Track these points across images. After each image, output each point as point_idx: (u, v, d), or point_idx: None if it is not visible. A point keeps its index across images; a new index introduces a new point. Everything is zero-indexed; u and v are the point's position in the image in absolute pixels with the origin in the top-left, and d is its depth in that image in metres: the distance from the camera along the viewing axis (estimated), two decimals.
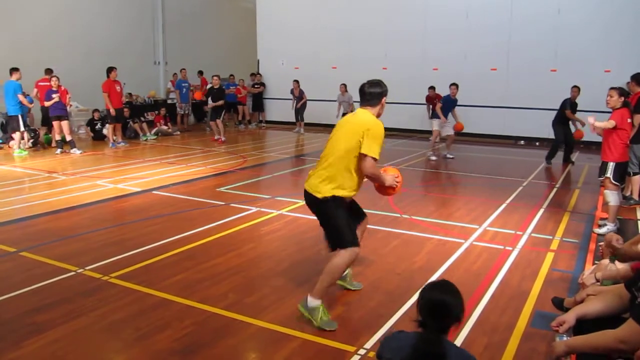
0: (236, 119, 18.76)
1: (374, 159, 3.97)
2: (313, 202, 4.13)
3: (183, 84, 17.37)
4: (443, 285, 2.28)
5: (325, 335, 3.83)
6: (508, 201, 8.02)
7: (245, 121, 18.53)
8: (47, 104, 12.42)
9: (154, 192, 8.36)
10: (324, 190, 4.03)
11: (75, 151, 12.33)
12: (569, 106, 11.48)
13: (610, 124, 6.33)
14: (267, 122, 19.22)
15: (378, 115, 4.14)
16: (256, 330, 3.95)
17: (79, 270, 4.99)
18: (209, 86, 15.90)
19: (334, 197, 4.01)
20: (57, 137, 12.63)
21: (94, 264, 5.14)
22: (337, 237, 4.07)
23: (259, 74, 19.40)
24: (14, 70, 12.52)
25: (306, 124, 17.25)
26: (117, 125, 13.75)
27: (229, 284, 4.77)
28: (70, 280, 4.78)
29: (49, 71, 13.28)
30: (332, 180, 4.04)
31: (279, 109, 18.99)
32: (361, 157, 3.95)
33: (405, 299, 4.44)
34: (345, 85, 15.88)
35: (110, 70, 13.35)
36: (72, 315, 4.07)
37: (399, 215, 7.11)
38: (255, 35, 19.92)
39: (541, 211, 7.50)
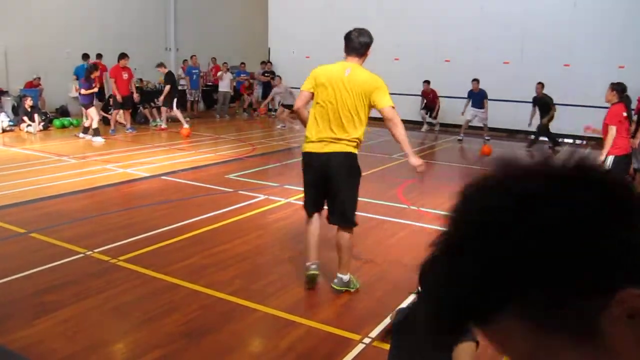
0: (241, 106, 18.82)
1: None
2: (341, 164, 4.13)
3: (193, 71, 17.37)
4: None
5: (331, 323, 3.86)
6: None
7: (250, 109, 18.55)
8: (85, 93, 12.15)
9: (162, 177, 8.41)
10: (353, 148, 4.13)
11: (99, 140, 12.30)
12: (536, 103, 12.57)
13: (611, 134, 6.49)
14: (276, 110, 19.19)
15: None
16: (262, 316, 3.98)
17: (87, 253, 5.05)
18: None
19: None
20: (95, 125, 12.20)
21: (103, 246, 5.19)
22: (354, 208, 4.34)
23: (269, 62, 19.36)
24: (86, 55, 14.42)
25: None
26: (125, 111, 13.64)
27: (236, 270, 4.81)
28: (79, 262, 4.84)
29: (86, 57, 13.71)
30: (353, 140, 4.17)
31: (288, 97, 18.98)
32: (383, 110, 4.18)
33: (411, 290, 4.44)
34: (280, 77, 16.26)
35: (121, 57, 13.19)
36: (81, 297, 4.12)
37: (406, 207, 7.12)
38: (266, 23, 19.87)
39: None
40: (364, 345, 3.59)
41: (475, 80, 13.79)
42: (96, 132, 12.10)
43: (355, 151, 4.30)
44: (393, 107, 4.16)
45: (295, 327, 3.82)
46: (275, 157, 11.02)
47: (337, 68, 4.28)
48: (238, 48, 20.99)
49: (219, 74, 17.38)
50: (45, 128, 13.55)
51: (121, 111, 13.49)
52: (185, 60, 18.26)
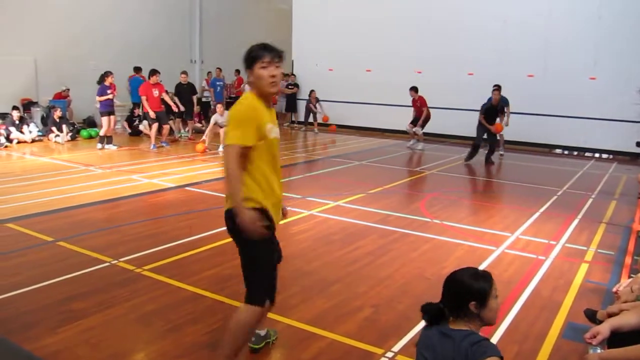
0: None
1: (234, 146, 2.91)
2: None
3: (217, 83, 17.58)
4: (465, 268, 2.48)
5: (353, 336, 3.84)
6: (542, 210, 7.89)
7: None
8: (100, 99, 12.50)
9: (187, 188, 8.49)
10: None
11: (111, 147, 12.58)
12: (484, 111, 12.03)
13: None
14: (299, 122, 19.30)
15: (261, 94, 3.08)
16: (284, 327, 3.98)
17: (113, 262, 5.11)
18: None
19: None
20: (104, 133, 12.57)
21: (128, 255, 5.25)
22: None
23: (292, 74, 19.50)
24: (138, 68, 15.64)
25: (339, 126, 17.27)
26: (164, 126, 13.45)
27: None
28: (105, 271, 4.90)
29: (138, 69, 14.24)
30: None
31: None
32: None
33: None
34: (222, 104, 15.08)
35: (152, 73, 13.06)
36: (106, 305, 4.17)
37: (429, 220, 7.07)
38: (290, 36, 20.03)
39: (576, 221, 7.36)
40: (387, 359, 3.56)
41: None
42: (101, 140, 12.58)
43: None
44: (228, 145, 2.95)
45: (318, 339, 3.81)
46: (298, 169, 11.06)
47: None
48: None
49: (242, 86, 17.54)
50: (73, 138, 13.83)
51: (155, 126, 13.33)
52: (210, 72, 18.48)
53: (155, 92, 13.13)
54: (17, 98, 14.54)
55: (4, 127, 12.84)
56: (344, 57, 18.26)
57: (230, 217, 3.10)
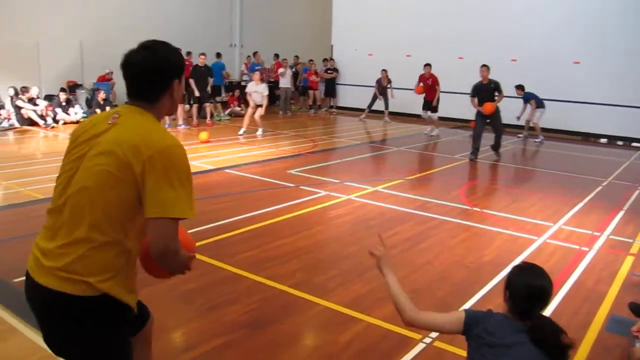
0: (307, 103, 18.88)
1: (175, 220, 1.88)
2: (48, 305, 1.93)
3: (256, 67, 17.63)
4: (536, 270, 2.11)
5: (391, 321, 3.83)
6: (585, 200, 7.70)
7: (315, 106, 18.63)
8: None
9: (226, 170, 8.59)
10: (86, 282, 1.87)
11: None
12: (475, 91, 10.91)
13: None
14: (338, 107, 19.24)
15: (170, 113, 2.19)
16: (322, 310, 4.01)
17: None
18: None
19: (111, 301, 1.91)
20: None
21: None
22: None
23: (332, 59, 19.42)
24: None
25: (372, 112, 17.06)
26: (194, 107, 13.93)
27: (297, 263, 4.86)
28: None
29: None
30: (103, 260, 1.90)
31: (350, 95, 18.95)
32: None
33: (474, 291, 4.37)
34: (260, 71, 14.43)
35: (198, 55, 13.71)
36: (148, 283, 4.23)
37: (469, 208, 6.98)
38: (330, 20, 19.92)
39: (621, 213, 7.15)
40: (424, 345, 3.55)
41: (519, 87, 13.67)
42: None
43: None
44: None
45: (355, 322, 3.82)
46: (336, 153, 11.05)
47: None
48: (301, 45, 21.12)
49: (280, 70, 17.55)
50: None
51: (186, 107, 13.72)
52: (249, 56, 18.55)
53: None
54: (63, 80, 14.91)
55: (51, 108, 13.19)
56: (384, 41, 18.06)
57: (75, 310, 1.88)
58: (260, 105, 12.66)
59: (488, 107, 10.69)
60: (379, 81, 16.66)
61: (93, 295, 1.86)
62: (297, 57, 19.44)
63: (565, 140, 14.63)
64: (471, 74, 15.41)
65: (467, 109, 16.09)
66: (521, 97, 13.69)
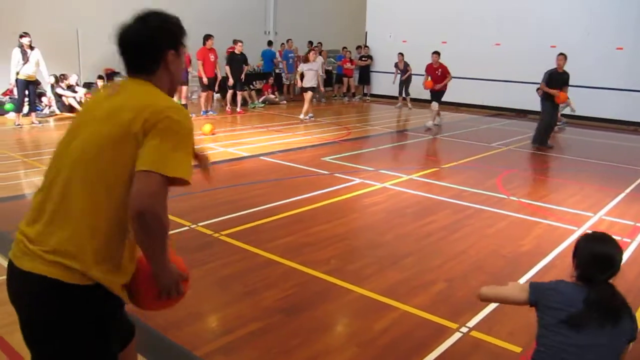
0: (341, 91, 18.80)
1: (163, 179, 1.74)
2: (34, 295, 1.79)
3: (290, 55, 17.62)
4: (605, 238, 2.22)
5: (426, 309, 3.82)
6: (627, 190, 7.49)
7: (349, 93, 18.55)
8: None
9: (261, 157, 8.64)
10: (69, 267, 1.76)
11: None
12: (549, 77, 10.40)
13: None
14: (372, 95, 19.11)
15: (171, 91, 2.04)
16: (357, 297, 4.01)
17: (192, 226, 5.30)
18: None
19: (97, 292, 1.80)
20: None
21: (207, 220, 5.42)
22: None
23: (366, 46, 19.26)
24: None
25: (412, 99, 16.90)
26: (209, 93, 13.60)
27: (333, 250, 4.87)
28: (185, 234, 5.09)
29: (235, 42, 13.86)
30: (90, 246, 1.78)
31: (384, 83, 18.77)
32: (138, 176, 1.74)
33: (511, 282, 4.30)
34: (317, 47, 14.46)
35: (206, 38, 12.98)
36: (189, 266, 4.31)
37: (505, 197, 6.87)
38: (364, 7, 19.74)
39: None
40: (460, 334, 3.52)
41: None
42: None
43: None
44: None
45: (390, 310, 3.81)
46: (370, 141, 11.00)
47: None
48: (335, 32, 21.02)
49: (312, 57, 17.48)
50: None
51: (204, 93, 13.48)
52: (283, 43, 18.55)
53: (212, 57, 13.08)
54: (100, 68, 15.17)
55: (89, 95, 13.46)
56: (419, 28, 17.82)
57: (46, 291, 1.75)
58: (309, 88, 12.94)
59: (563, 96, 10.40)
60: (396, 65, 16.76)
61: (84, 285, 1.75)
62: (320, 44, 19.22)
63: (599, 128, 14.23)
64: (508, 60, 15.18)
65: (503, 97, 15.87)
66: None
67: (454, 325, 3.62)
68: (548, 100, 10.52)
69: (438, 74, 12.39)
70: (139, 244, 1.78)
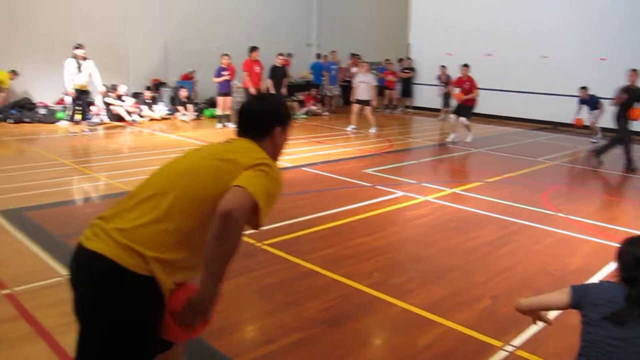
0: (383, 103, 18.76)
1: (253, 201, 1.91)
2: (103, 279, 1.93)
3: (332, 66, 17.70)
4: None
5: (471, 326, 3.74)
6: None
7: (391, 105, 18.49)
8: (216, 80, 13.08)
9: (303, 168, 8.68)
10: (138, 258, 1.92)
11: (230, 125, 13.13)
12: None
13: None
14: (414, 107, 19.00)
15: (273, 157, 2.28)
16: (399, 311, 3.97)
17: None
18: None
19: (153, 285, 1.94)
20: (220, 112, 13.29)
21: (249, 230, 5.46)
22: None
23: (409, 58, 19.19)
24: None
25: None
26: None
27: (375, 263, 4.84)
28: None
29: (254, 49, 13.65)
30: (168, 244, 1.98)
31: (427, 95, 18.63)
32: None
33: None
34: (366, 63, 14.03)
35: (252, 49, 13.23)
36: (232, 275, 4.37)
37: (552, 213, 6.70)
38: (407, 19, 19.67)
39: None
40: (506, 353, 3.44)
41: (584, 89, 12.96)
42: (220, 119, 13.23)
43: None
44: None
45: (434, 326, 3.76)
46: (412, 154, 10.93)
47: None
48: (377, 44, 21.00)
49: (351, 69, 17.53)
50: (197, 117, 14.61)
51: None
52: (325, 55, 18.66)
53: (257, 69, 13.24)
54: (148, 79, 15.59)
55: (137, 105, 13.83)
56: (463, 40, 17.64)
57: (110, 271, 1.90)
58: (364, 102, 13.10)
59: (637, 113, 9.95)
60: (438, 77, 16.67)
61: (143, 274, 1.91)
62: (358, 56, 19.19)
63: None
64: (556, 74, 14.87)
65: (549, 111, 15.53)
66: (583, 99, 13.14)
67: (498, 344, 3.54)
68: (624, 118, 10.00)
69: (466, 87, 11.99)
70: (210, 246, 1.90)
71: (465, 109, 12.06)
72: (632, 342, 2.09)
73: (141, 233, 1.94)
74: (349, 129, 13.29)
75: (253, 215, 1.93)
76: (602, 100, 12.56)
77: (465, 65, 12.19)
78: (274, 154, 2.31)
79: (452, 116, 12.45)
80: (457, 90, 12.24)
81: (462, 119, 12.01)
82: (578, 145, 12.71)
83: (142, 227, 1.95)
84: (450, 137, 12.20)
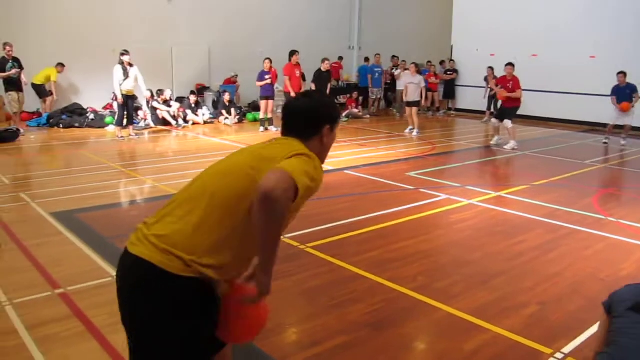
0: (425, 105, 18.58)
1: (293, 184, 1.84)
2: (145, 282, 1.93)
3: (376, 69, 17.65)
4: None
5: (519, 332, 3.67)
6: None
7: (434, 108, 18.31)
8: (259, 84, 13.18)
9: (345, 171, 8.68)
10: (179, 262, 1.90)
11: (272, 128, 13.25)
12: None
13: None
14: (457, 110, 18.75)
15: (321, 159, 2.21)
16: (445, 316, 3.92)
17: None
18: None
19: (198, 285, 1.94)
20: (262, 116, 13.39)
21: (293, 233, 5.49)
22: None
23: (452, 60, 18.96)
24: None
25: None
26: None
27: (419, 267, 4.80)
28: None
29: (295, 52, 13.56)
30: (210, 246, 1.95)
31: (470, 97, 18.37)
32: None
33: None
34: (380, 73, 15.57)
35: (292, 53, 13.24)
36: (275, 277, 4.34)
37: (603, 218, 6.51)
38: (450, 20, 19.44)
39: None
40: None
41: (622, 73, 12.09)
42: (262, 123, 13.28)
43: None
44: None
45: (481, 331, 3.70)
46: (455, 156, 10.79)
47: None
48: (419, 46, 20.83)
49: (397, 72, 17.44)
50: (240, 121, 14.81)
51: None
52: (367, 57, 18.62)
53: (297, 73, 13.29)
54: (192, 83, 15.89)
55: (182, 109, 14.10)
56: (507, 41, 17.30)
57: (152, 274, 1.90)
58: (414, 103, 13.19)
59: (624, 106, 9.87)
60: (485, 79, 16.42)
61: (186, 276, 1.89)
62: (396, 57, 19.06)
63: None
64: (603, 75, 14.42)
65: (597, 112, 15.07)
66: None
67: (548, 351, 3.45)
68: None
69: (509, 86, 11.43)
70: (256, 226, 1.85)
71: (508, 111, 11.60)
72: None
73: (178, 237, 1.92)
74: (407, 131, 13.37)
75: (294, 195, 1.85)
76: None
77: (510, 64, 11.70)
78: (322, 155, 2.24)
79: (494, 120, 12.08)
80: (499, 88, 11.74)
81: (506, 122, 11.48)
82: (628, 147, 12.27)
83: (178, 231, 1.93)
84: (494, 140, 11.89)
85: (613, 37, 15.04)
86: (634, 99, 11.94)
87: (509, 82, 11.48)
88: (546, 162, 10.39)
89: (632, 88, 11.83)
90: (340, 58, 15.49)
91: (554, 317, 3.97)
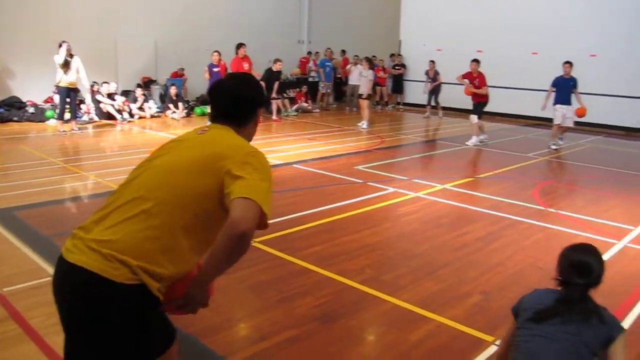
0: (374, 99, 18.77)
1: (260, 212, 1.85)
2: (85, 292, 1.81)
3: (327, 63, 17.69)
4: (584, 247, 2.33)
5: (462, 322, 3.76)
6: None
7: (382, 102, 18.51)
8: (207, 76, 12.94)
9: (294, 165, 8.68)
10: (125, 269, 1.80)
11: None
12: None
13: None
14: (405, 104, 19.02)
15: (250, 140, 2.21)
16: (391, 307, 3.98)
17: None
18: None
19: (142, 292, 1.84)
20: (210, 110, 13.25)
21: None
22: None
23: (399, 55, 19.20)
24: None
25: (445, 108, 16.73)
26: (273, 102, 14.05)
27: (366, 259, 4.85)
28: None
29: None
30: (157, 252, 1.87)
31: (418, 91, 18.64)
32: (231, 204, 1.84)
33: None
34: (331, 68, 16.54)
35: (239, 46, 12.87)
36: (225, 272, 4.37)
37: (543, 209, 6.74)
38: (398, 16, 19.67)
39: None
40: (496, 348, 3.46)
41: (568, 63, 11.33)
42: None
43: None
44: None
45: (426, 321, 3.77)
46: (403, 150, 10.95)
47: None
48: (368, 40, 20.99)
49: (347, 67, 17.53)
50: (188, 115, 14.56)
51: None
52: (317, 52, 18.63)
53: (245, 66, 12.83)
54: (138, 77, 15.51)
55: (127, 103, 13.75)
56: (454, 37, 17.66)
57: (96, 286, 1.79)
58: (363, 96, 13.51)
59: (580, 111, 10.11)
60: (426, 73, 16.71)
61: (129, 283, 1.79)
62: (343, 51, 19.30)
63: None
64: (545, 69, 14.87)
65: (539, 107, 15.54)
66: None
67: (490, 338, 3.56)
68: None
69: (476, 83, 11.51)
70: (216, 257, 1.85)
71: (475, 107, 11.59)
72: (551, 340, 2.13)
73: (124, 241, 1.81)
74: (360, 124, 13.52)
75: (261, 219, 1.86)
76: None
77: (475, 61, 11.68)
78: (251, 136, 2.23)
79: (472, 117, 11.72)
80: (467, 82, 11.61)
81: (471, 117, 11.53)
82: (568, 141, 12.75)
83: (123, 235, 1.82)
84: (481, 137, 11.69)
85: (555, 34, 15.54)
86: (573, 94, 11.97)
87: (475, 79, 11.52)
88: (491, 155, 10.69)
89: (574, 81, 11.30)
90: (275, 60, 15.31)
91: (496, 305, 4.09)
